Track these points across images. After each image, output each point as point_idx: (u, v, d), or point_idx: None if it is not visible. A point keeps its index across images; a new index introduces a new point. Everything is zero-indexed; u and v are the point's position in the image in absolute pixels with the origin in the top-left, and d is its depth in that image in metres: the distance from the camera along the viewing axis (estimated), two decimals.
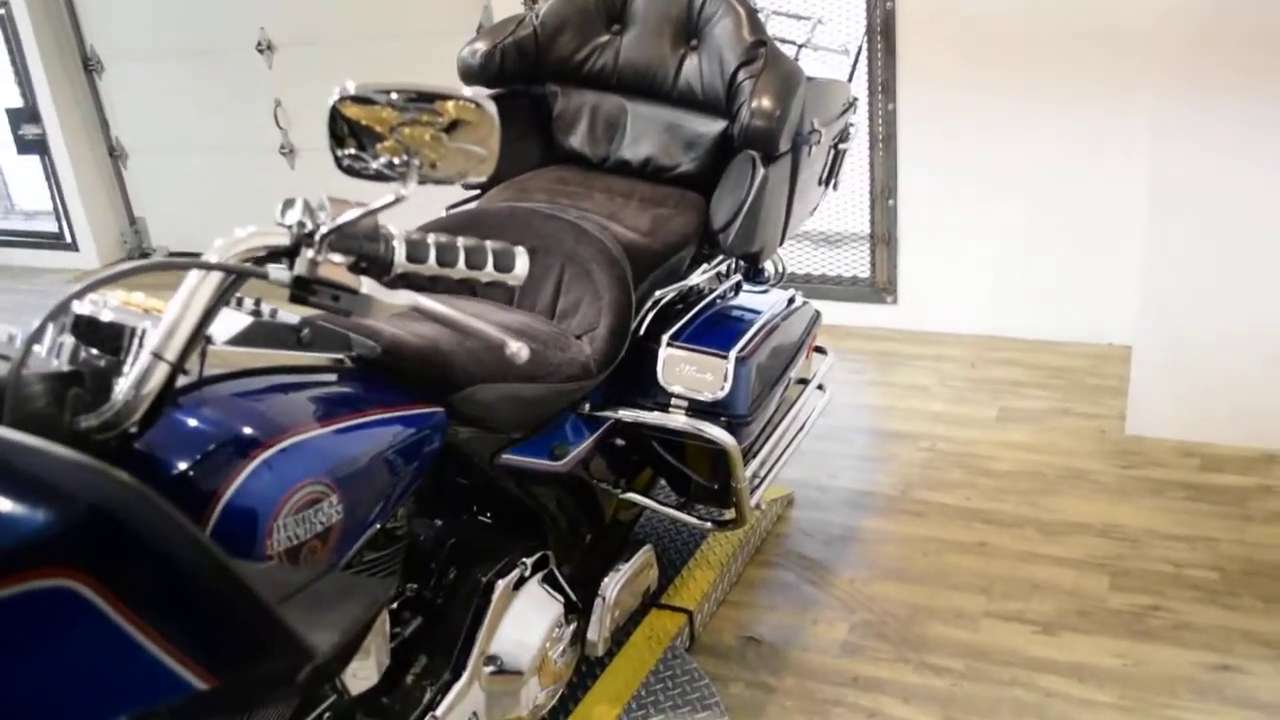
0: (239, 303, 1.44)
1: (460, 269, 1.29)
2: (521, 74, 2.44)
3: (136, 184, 5.58)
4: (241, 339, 1.37)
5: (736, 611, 2.50)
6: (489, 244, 1.33)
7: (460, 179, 1.28)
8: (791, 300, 2.37)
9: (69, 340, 1.23)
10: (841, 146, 2.61)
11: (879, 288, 3.99)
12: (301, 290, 1.21)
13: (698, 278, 2.22)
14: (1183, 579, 2.47)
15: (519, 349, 1.32)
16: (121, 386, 1.14)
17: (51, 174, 5.51)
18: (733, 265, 2.38)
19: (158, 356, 1.14)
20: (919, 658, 2.30)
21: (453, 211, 2.21)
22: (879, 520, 2.83)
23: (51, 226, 5.66)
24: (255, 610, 0.77)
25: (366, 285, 1.22)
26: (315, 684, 1.00)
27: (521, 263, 1.34)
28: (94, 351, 1.22)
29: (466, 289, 2.06)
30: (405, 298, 1.24)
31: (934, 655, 2.30)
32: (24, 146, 5.53)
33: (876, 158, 3.80)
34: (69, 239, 5.59)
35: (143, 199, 5.60)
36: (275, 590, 0.88)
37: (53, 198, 5.57)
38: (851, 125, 2.65)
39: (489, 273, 1.31)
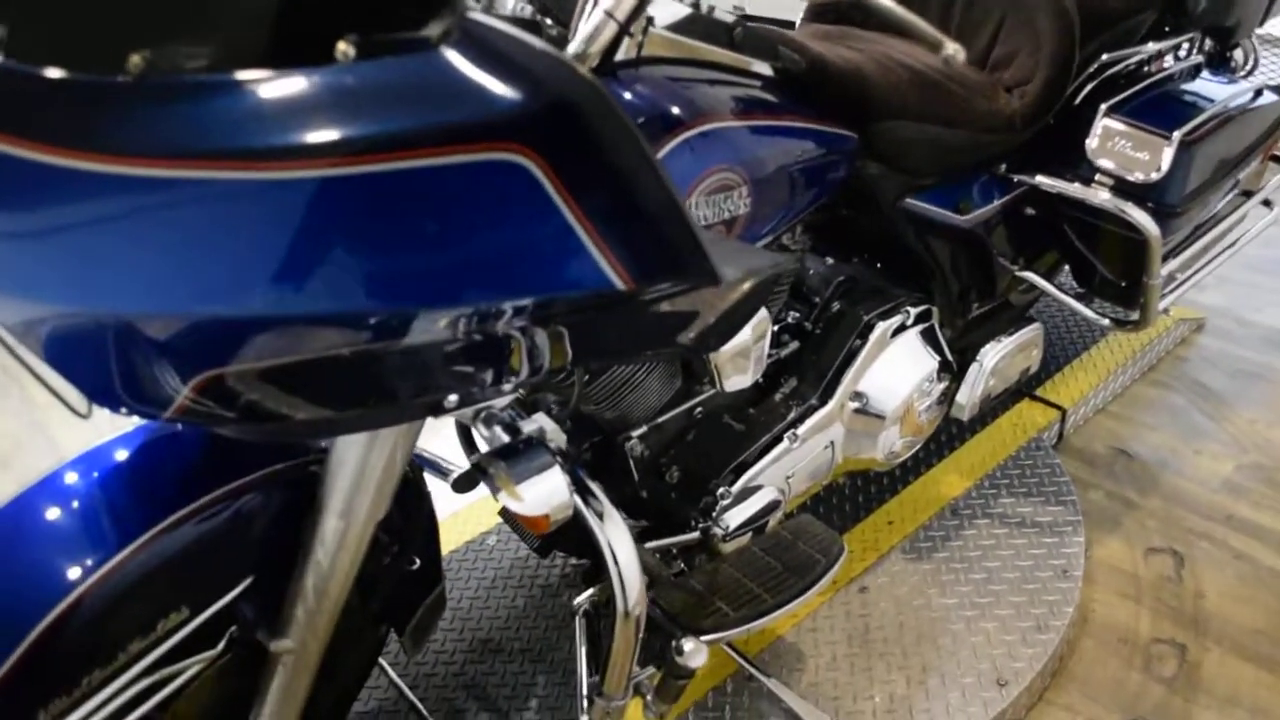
0: None
1: None
2: None
3: None
4: (678, 27, 1.41)
5: (1113, 422, 2.37)
6: None
7: None
8: (1258, 94, 2.08)
9: (528, 7, 1.31)
10: None
11: None
12: None
13: (1154, 47, 1.99)
14: None
15: (956, 50, 1.25)
16: (574, 42, 1.21)
17: None
18: (1197, 45, 2.12)
19: (609, 15, 1.18)
20: None
21: None
22: None
23: None
24: (683, 229, 0.81)
25: None
26: (696, 352, 1.06)
27: None
28: (548, 21, 1.30)
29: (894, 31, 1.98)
30: None
31: None
32: None
33: None
34: None
35: None
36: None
37: None
38: None
39: None
